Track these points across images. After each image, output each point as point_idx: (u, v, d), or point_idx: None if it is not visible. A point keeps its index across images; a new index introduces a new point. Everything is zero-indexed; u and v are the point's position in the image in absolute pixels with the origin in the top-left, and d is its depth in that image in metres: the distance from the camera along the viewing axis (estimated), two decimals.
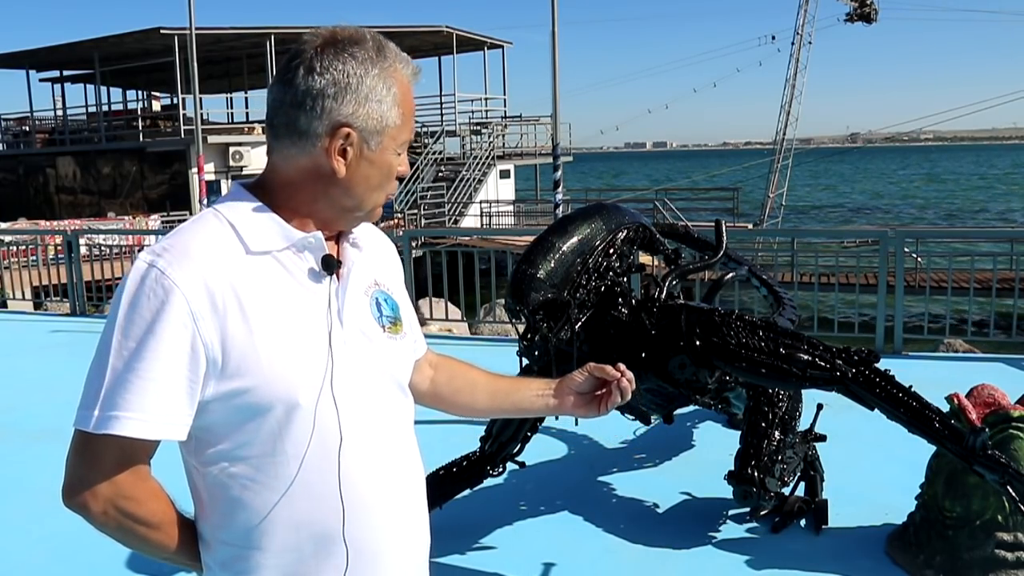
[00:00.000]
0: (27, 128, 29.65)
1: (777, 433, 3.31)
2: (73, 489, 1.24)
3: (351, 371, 1.32)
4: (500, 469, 3.50)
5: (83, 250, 10.98)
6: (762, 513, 3.59)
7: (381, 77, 1.30)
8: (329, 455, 1.30)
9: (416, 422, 1.50)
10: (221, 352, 1.22)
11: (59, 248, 11.88)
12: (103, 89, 28.29)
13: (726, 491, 3.36)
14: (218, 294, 1.22)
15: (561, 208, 18.43)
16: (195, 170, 21.13)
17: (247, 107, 29.81)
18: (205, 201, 19.94)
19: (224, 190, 22.29)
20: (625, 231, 3.18)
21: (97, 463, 1.23)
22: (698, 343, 2.97)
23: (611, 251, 3.13)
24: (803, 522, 3.65)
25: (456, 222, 23.15)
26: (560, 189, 19.47)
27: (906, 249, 8.19)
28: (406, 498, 1.42)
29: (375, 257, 1.47)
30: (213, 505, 1.32)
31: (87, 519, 1.26)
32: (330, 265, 1.32)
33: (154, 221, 19.87)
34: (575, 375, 1.63)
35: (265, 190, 1.34)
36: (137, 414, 1.20)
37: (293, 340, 1.27)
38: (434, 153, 25.63)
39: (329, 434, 1.29)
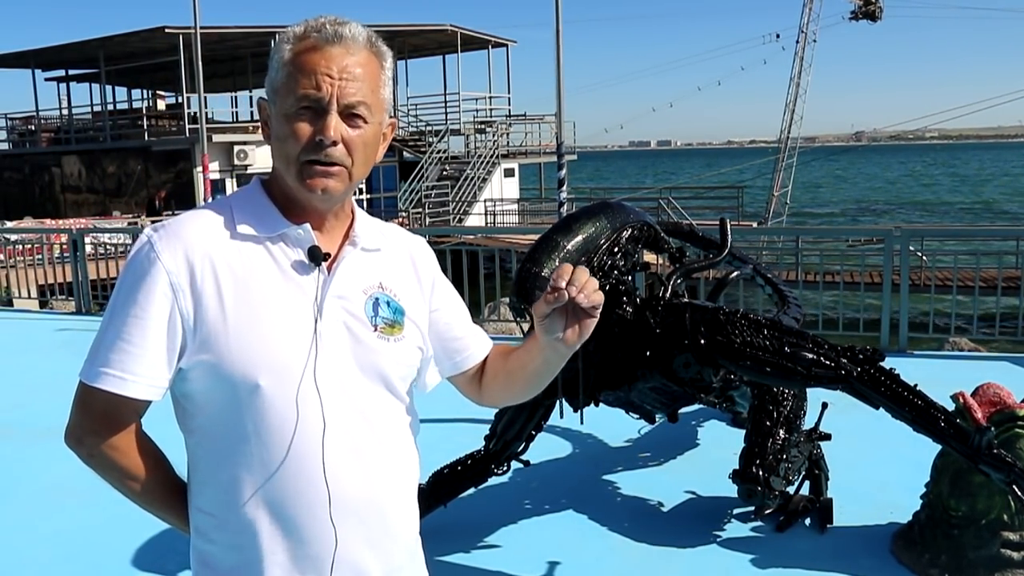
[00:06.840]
0: (32, 127, 29.70)
1: (782, 432, 3.31)
2: (69, 430, 1.37)
3: (333, 363, 1.35)
4: (505, 467, 3.50)
5: (88, 249, 11.00)
6: (767, 512, 3.59)
7: (279, 48, 1.41)
8: (312, 443, 1.32)
9: (418, 421, 1.50)
10: (194, 324, 1.31)
11: (64, 247, 11.89)
12: (108, 88, 28.36)
13: (731, 490, 3.36)
14: (197, 271, 1.31)
15: (565, 206, 18.42)
16: (200, 169, 21.14)
17: (251, 106, 29.82)
18: (209, 200, 19.93)
19: (229, 189, 22.33)
20: (630, 229, 3.17)
21: (88, 411, 1.35)
22: (703, 342, 2.97)
23: (616, 250, 3.12)
24: (808, 521, 3.64)
25: (460, 221, 23.15)
26: (564, 187, 19.47)
27: (911, 247, 8.16)
28: (386, 498, 1.40)
29: (389, 261, 1.48)
30: (193, 472, 1.40)
31: (79, 457, 1.39)
32: (316, 256, 1.37)
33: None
34: (538, 307, 1.53)
35: (270, 179, 1.45)
36: (116, 372, 1.31)
37: (264, 325, 1.32)
38: (438, 152, 25.65)
39: (310, 423, 1.32)
